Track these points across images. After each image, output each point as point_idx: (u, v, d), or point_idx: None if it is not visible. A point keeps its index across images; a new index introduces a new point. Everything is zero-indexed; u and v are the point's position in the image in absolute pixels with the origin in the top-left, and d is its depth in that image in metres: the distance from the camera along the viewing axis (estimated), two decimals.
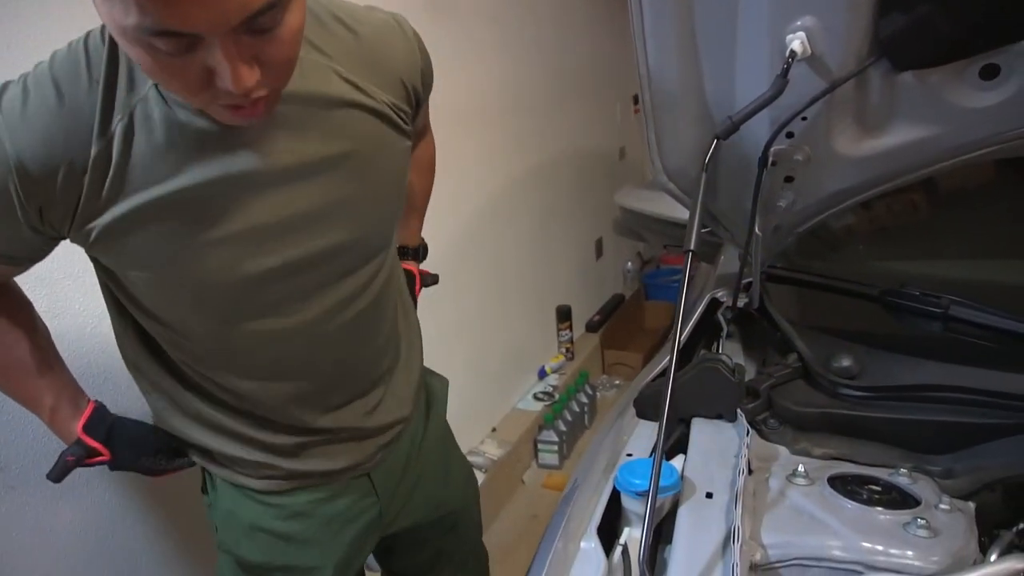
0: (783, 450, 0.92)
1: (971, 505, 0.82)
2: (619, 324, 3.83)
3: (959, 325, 0.99)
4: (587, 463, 0.90)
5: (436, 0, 2.26)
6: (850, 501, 0.79)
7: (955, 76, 0.85)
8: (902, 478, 0.84)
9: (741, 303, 1.11)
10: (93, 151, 0.66)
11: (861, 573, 0.70)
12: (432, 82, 0.91)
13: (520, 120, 2.94)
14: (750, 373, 1.06)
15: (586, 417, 3.13)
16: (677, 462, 0.90)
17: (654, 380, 1.07)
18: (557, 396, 3.08)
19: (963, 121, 0.87)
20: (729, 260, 1.30)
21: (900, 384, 0.90)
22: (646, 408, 1.01)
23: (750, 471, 0.87)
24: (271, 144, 0.71)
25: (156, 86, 0.66)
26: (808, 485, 0.83)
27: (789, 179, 1.00)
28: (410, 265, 1.24)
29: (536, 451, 2.94)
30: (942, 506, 0.78)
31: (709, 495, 0.82)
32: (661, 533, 0.85)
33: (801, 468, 0.84)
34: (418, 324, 1.10)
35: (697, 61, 0.92)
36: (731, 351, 1.13)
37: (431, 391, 1.12)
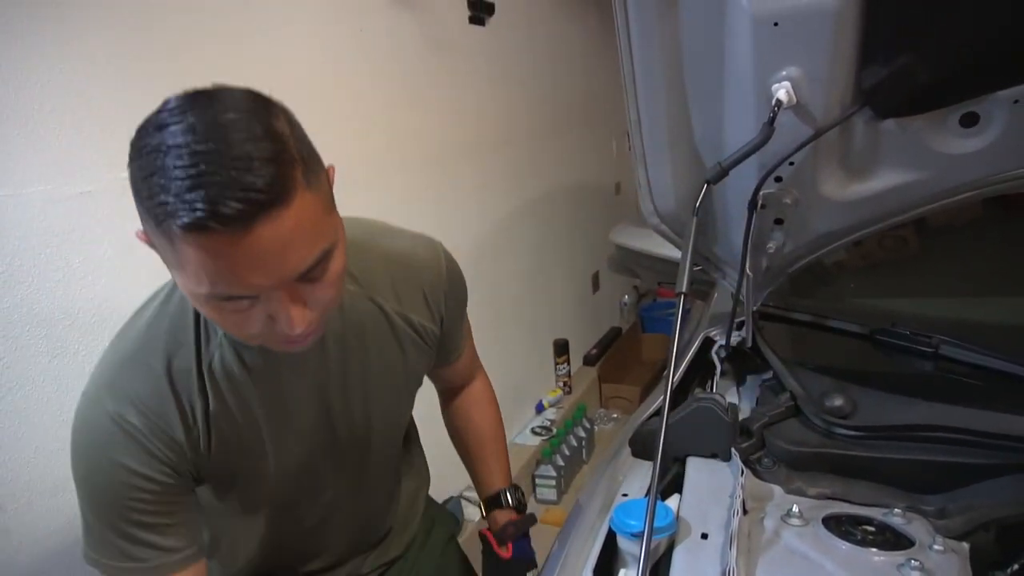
0: (778, 489, 0.93)
1: (965, 546, 0.82)
2: (616, 357, 3.84)
3: (949, 364, 1.00)
4: (582, 503, 0.90)
5: (435, 37, 2.31)
6: (844, 542, 0.79)
7: (936, 123, 0.88)
8: (896, 518, 0.85)
9: (734, 341, 1.13)
10: (196, 438, 0.78)
11: None
12: (463, 302, 1.01)
13: (516, 153, 2.98)
14: (744, 412, 1.07)
15: (584, 451, 3.12)
16: (672, 502, 0.91)
17: (649, 419, 1.07)
18: (555, 430, 3.07)
19: (946, 166, 0.90)
20: (722, 299, 1.32)
21: (893, 424, 0.91)
22: (641, 447, 1.02)
23: (745, 511, 0.88)
24: (308, 364, 0.83)
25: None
26: (803, 526, 0.83)
27: (779, 221, 1.02)
28: (503, 514, 1.13)
29: (534, 486, 2.92)
30: (936, 547, 0.79)
31: (704, 536, 0.83)
32: (657, 574, 0.85)
33: (796, 508, 0.85)
34: (425, 465, 1.16)
35: (686, 108, 0.95)
36: (725, 389, 1.14)
37: (434, 521, 1.18)
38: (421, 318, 0.91)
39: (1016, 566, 0.83)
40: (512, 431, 3.06)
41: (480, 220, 2.73)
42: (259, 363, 0.79)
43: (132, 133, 0.61)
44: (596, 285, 3.98)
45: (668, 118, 0.94)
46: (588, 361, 3.78)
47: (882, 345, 1.07)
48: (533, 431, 3.08)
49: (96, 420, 0.74)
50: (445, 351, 1.00)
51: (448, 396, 1.15)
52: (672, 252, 1.50)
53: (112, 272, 1.30)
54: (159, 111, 0.59)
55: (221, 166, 0.56)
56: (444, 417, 1.16)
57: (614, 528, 0.83)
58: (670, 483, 0.97)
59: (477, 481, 1.14)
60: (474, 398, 1.14)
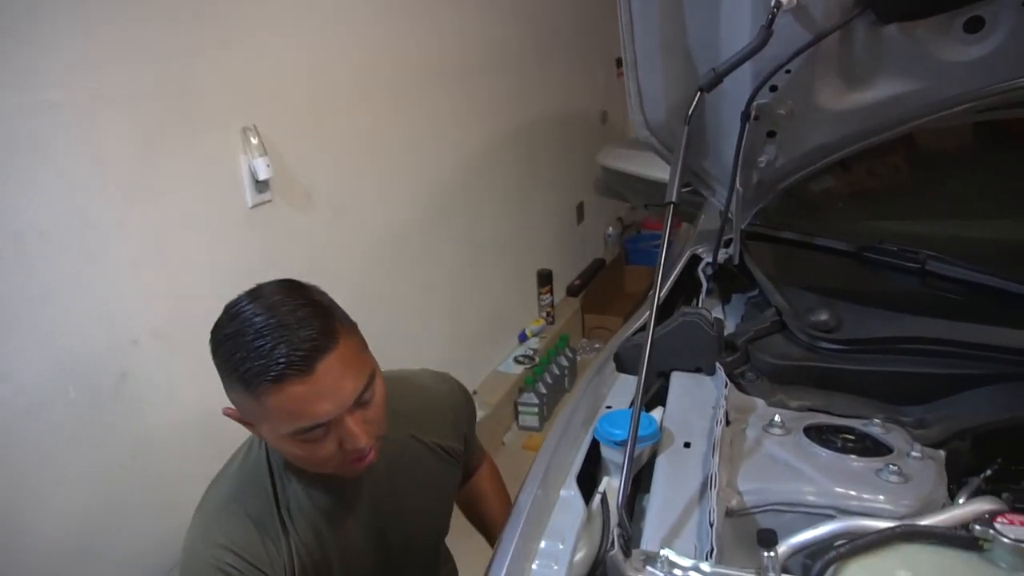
0: (760, 402, 0.93)
1: (941, 453, 0.83)
2: (599, 288, 3.85)
3: (935, 280, 1.00)
4: (566, 415, 0.90)
5: None
6: (824, 449, 0.80)
7: (940, 29, 0.85)
8: (875, 428, 0.86)
9: (721, 259, 1.11)
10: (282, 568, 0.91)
11: (834, 517, 0.72)
12: (475, 416, 1.20)
13: (500, 80, 2.90)
14: (729, 328, 1.07)
15: (566, 380, 3.16)
16: (656, 413, 0.91)
17: (633, 335, 1.07)
18: (538, 359, 3.10)
19: (947, 75, 0.87)
20: (710, 218, 1.30)
21: (876, 337, 0.91)
22: (625, 362, 1.02)
23: (727, 422, 0.88)
24: (363, 491, 0.99)
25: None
26: (784, 435, 0.84)
27: (771, 134, 0.99)
28: None
29: (517, 413, 2.96)
30: (914, 454, 0.80)
31: (687, 445, 0.83)
32: (640, 482, 0.86)
33: (777, 418, 0.85)
34: (450, 554, 1.28)
35: (680, 11, 0.91)
36: (710, 307, 1.13)
37: None
38: (451, 442, 1.10)
39: (988, 472, 0.85)
40: (495, 360, 3.09)
41: (462, 147, 2.67)
42: (326, 500, 0.94)
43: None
44: (581, 216, 3.95)
45: (661, 20, 0.90)
46: (571, 292, 3.79)
47: (869, 262, 1.06)
48: (516, 360, 3.11)
49: (200, 570, 0.87)
50: (467, 461, 1.19)
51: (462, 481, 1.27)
52: (660, 173, 1.48)
53: (85, 187, 1.25)
54: (227, 311, 0.82)
55: (286, 329, 0.77)
56: (458, 498, 1.27)
57: (598, 437, 0.83)
58: (654, 396, 0.98)
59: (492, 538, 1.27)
60: (485, 475, 1.29)
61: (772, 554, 0.67)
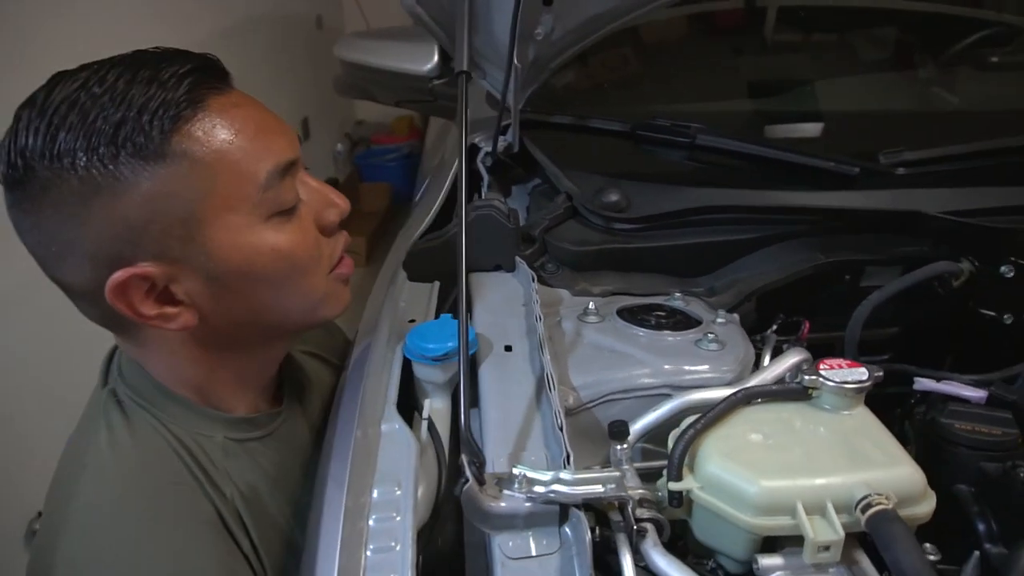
0: (565, 293, 0.89)
1: (736, 316, 0.86)
2: None
3: (706, 153, 1.02)
4: (365, 337, 0.77)
5: None
6: (642, 329, 0.78)
7: None
8: (678, 302, 0.86)
9: (501, 147, 1.03)
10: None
11: (669, 396, 0.69)
12: None
13: None
14: (521, 219, 1.00)
15: None
16: None
17: (421, 237, 0.95)
18: None
19: None
20: (478, 108, 1.20)
21: (667, 211, 0.90)
22: (417, 268, 0.90)
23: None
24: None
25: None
26: (600, 321, 0.80)
27: (547, 2, 0.90)
28: None
29: None
30: (719, 321, 0.81)
31: (508, 348, 0.75)
32: (457, 398, 0.77)
33: (592, 305, 0.81)
34: None
35: None
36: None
37: None
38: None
39: (774, 327, 0.90)
40: None
41: None
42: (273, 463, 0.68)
43: None
44: (307, 133, 3.62)
45: None
46: None
47: (644, 140, 1.06)
48: None
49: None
50: None
51: None
52: (413, 65, 1.33)
53: None
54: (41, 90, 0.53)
55: (161, 63, 0.55)
56: None
57: (409, 356, 0.71)
58: (455, 301, 0.88)
59: None
60: None
61: (624, 446, 0.62)
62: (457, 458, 0.59)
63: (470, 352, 0.73)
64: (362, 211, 3.85)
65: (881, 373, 0.64)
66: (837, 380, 0.62)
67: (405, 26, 1.32)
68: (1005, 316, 0.87)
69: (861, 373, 0.63)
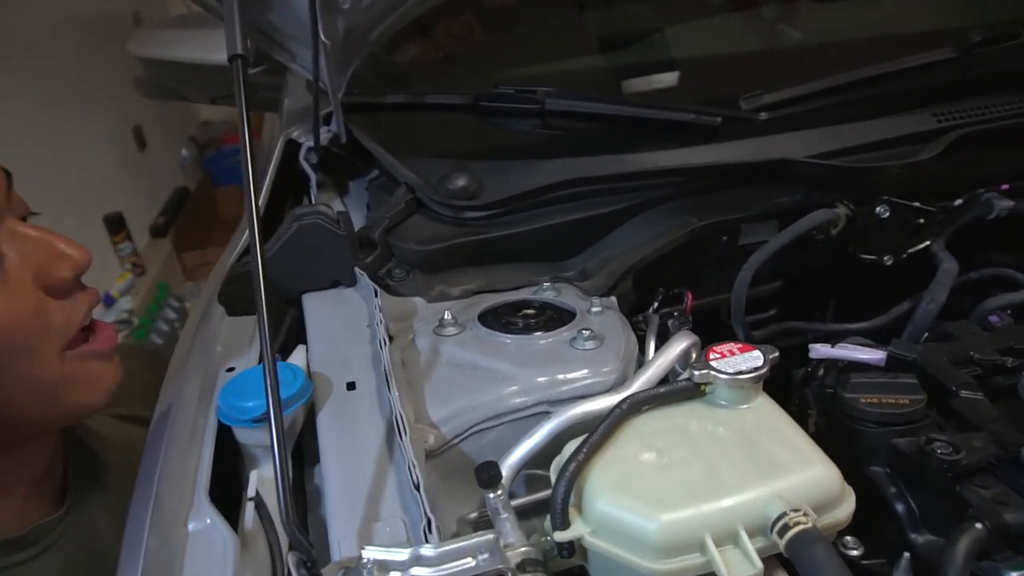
0: (419, 301, 0.76)
1: (613, 299, 0.77)
2: (191, 221, 3.31)
3: (558, 118, 0.92)
4: (168, 397, 0.61)
5: None
6: (509, 335, 0.67)
7: None
8: (548, 293, 0.75)
9: (325, 139, 0.88)
10: None
11: (548, 413, 0.59)
12: None
13: None
14: (358, 222, 0.86)
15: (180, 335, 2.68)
16: (298, 357, 0.68)
17: (239, 260, 0.80)
18: (136, 321, 2.56)
19: None
20: (296, 96, 1.04)
21: (522, 192, 0.79)
22: (236, 300, 0.74)
23: (390, 338, 0.69)
24: None
25: None
26: (460, 332, 0.68)
27: None
28: None
29: None
30: (594, 309, 0.71)
31: (351, 386, 0.62)
32: (303, 454, 0.63)
33: (448, 315, 0.69)
34: None
35: None
36: (327, 202, 0.91)
37: None
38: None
39: (656, 304, 0.82)
40: None
41: None
42: None
43: None
44: (142, 141, 3.28)
45: None
46: (157, 232, 3.19)
47: (489, 112, 0.93)
48: None
49: None
50: None
51: None
52: (219, 56, 1.14)
53: None
54: None
55: None
56: None
57: (225, 420, 0.57)
58: (289, 333, 0.74)
59: None
60: None
61: (499, 492, 0.51)
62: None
63: (304, 400, 0.59)
64: (220, 218, 3.55)
65: (777, 354, 0.56)
66: (731, 371, 0.54)
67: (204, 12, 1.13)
68: (885, 258, 0.82)
69: (755, 358, 0.55)
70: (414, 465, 0.51)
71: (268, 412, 0.47)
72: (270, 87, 1.18)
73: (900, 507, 0.54)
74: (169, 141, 3.63)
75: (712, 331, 0.89)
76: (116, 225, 2.78)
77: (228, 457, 0.57)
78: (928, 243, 0.81)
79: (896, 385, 0.56)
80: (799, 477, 0.48)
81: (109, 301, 2.65)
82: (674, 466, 0.50)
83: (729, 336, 0.99)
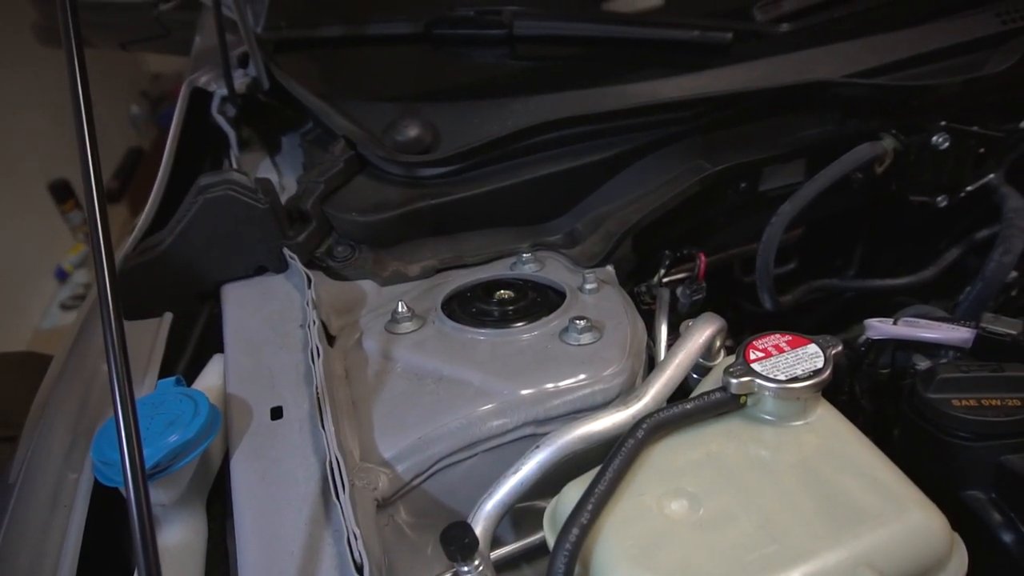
0: (369, 286, 0.61)
1: (610, 269, 0.62)
2: (147, 181, 3.08)
3: (528, 46, 0.74)
4: (28, 451, 0.46)
5: None
6: (481, 330, 0.52)
7: None
8: (529, 266, 0.60)
9: (241, 87, 0.71)
10: None
11: (536, 438, 0.44)
12: None
13: None
14: (290, 188, 0.70)
15: None
16: (213, 372, 0.53)
17: (135, 249, 0.63)
18: None
19: None
20: (209, 28, 0.86)
21: (489, 141, 0.63)
22: (130, 299, 0.58)
23: (330, 340, 0.54)
24: None
25: None
26: (419, 327, 0.53)
27: None
28: None
29: None
30: (588, 286, 0.56)
31: (277, 413, 0.47)
32: (227, 502, 0.49)
33: (402, 307, 0.53)
34: None
35: None
36: (252, 164, 0.74)
37: None
38: None
39: (662, 271, 0.67)
40: (31, 316, 2.29)
41: None
42: None
43: None
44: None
45: None
46: (111, 197, 2.97)
47: (445, 42, 0.76)
48: (63, 306, 2.37)
49: None
50: None
51: None
52: None
53: None
54: None
55: None
56: None
57: (101, 479, 0.42)
58: (202, 339, 0.58)
59: None
60: None
61: (476, 563, 0.37)
62: None
63: (211, 438, 0.45)
64: None
65: (840, 348, 0.42)
66: (782, 378, 0.39)
67: None
68: (939, 198, 0.67)
69: (812, 356, 0.41)
70: (356, 536, 0.37)
71: (126, 484, 0.32)
72: (178, 21, 0.99)
73: (1009, 539, 0.41)
74: (118, 98, 3.37)
75: (723, 292, 0.75)
76: (63, 193, 2.58)
77: (108, 530, 0.42)
78: (991, 176, 0.67)
79: (1000, 381, 0.42)
80: (892, 530, 0.34)
81: (62, 275, 2.48)
82: (714, 521, 0.36)
83: (744, 296, 0.85)
